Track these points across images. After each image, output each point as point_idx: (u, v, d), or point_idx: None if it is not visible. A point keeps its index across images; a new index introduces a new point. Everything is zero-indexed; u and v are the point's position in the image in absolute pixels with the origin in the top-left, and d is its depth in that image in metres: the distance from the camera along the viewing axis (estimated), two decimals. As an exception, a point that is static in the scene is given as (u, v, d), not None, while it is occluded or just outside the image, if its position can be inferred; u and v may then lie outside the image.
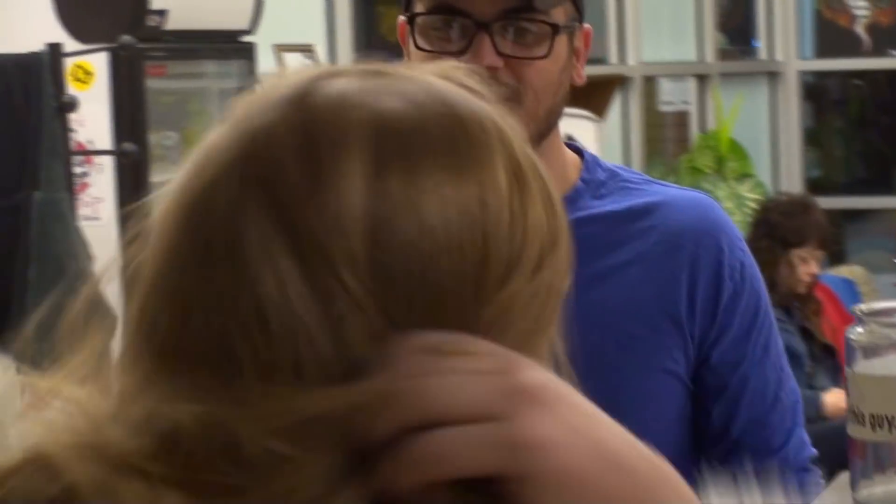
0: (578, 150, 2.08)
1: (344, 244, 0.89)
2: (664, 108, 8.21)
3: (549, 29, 1.93)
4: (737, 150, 7.69)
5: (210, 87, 5.29)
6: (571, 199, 2.01)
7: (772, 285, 4.68)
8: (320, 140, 0.91)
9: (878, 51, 7.84)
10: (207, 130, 0.97)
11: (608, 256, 2.02)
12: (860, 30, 7.87)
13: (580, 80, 2.02)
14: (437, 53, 1.92)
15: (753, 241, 5.19)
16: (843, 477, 1.83)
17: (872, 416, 1.70)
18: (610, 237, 2.02)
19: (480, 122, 0.95)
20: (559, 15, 1.95)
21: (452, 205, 0.91)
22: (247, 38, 5.06)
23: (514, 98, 1.91)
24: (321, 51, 6.04)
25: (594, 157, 2.08)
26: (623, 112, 7.74)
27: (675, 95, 8.21)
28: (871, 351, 1.72)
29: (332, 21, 6.31)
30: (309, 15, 6.33)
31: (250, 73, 5.08)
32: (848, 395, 1.75)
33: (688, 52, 8.22)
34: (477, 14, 1.90)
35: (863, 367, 1.72)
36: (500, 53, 1.90)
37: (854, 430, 1.73)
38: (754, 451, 2.02)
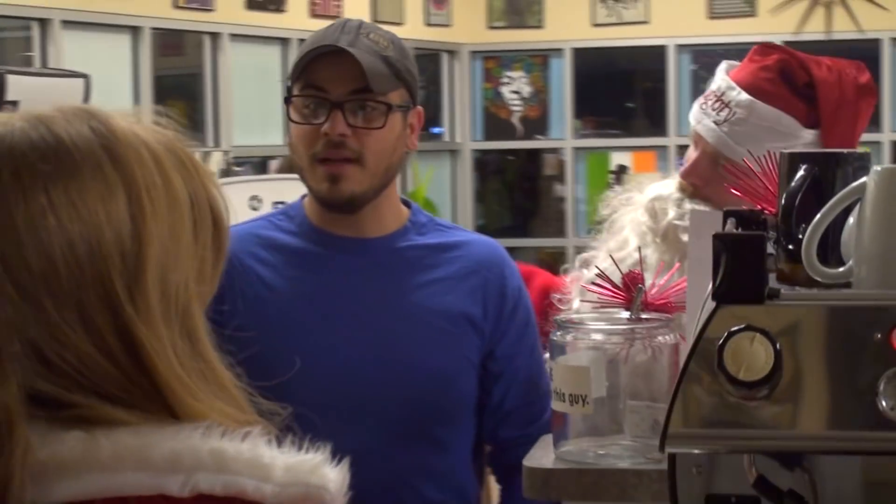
0: (407, 203, 2.25)
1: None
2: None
3: (385, 107, 2.10)
4: (429, 205, 7.94)
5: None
6: (402, 233, 2.19)
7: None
8: None
9: (528, 136, 8.62)
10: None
11: (426, 273, 2.17)
12: (515, 121, 8.62)
13: (413, 148, 2.18)
14: (305, 124, 2.10)
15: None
16: (548, 437, 1.88)
17: (570, 395, 1.75)
18: (428, 261, 2.18)
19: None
20: (395, 97, 2.12)
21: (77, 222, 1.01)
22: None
23: (358, 160, 2.09)
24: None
25: (418, 207, 2.24)
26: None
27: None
28: (567, 348, 1.79)
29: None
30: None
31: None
32: (552, 379, 1.80)
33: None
34: (333, 95, 2.08)
35: (562, 360, 1.78)
36: (348, 124, 2.08)
37: (557, 406, 1.79)
38: (520, 420, 2.19)
